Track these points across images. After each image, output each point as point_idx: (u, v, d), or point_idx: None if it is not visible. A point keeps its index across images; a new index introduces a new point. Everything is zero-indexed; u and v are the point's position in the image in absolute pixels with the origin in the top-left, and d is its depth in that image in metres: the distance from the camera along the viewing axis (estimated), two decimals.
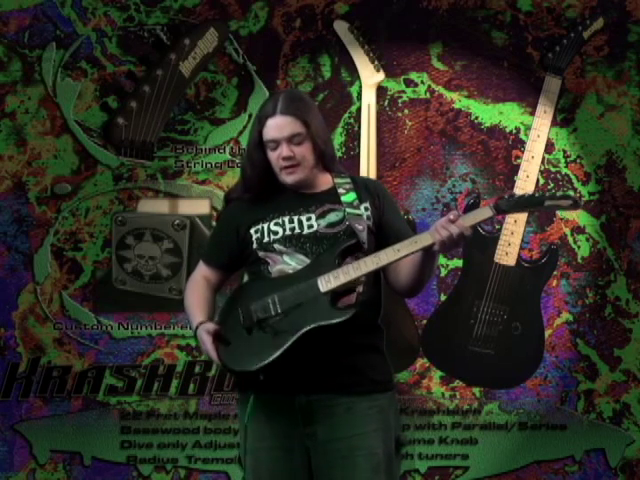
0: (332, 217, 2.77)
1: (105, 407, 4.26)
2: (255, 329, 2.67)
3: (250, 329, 2.67)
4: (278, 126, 2.75)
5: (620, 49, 4.28)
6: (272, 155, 2.78)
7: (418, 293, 2.85)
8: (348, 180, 2.84)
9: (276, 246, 2.76)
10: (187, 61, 4.25)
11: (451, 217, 2.60)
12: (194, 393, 4.26)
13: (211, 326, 2.72)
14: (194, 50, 4.25)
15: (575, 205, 2.60)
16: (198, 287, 2.88)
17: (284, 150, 2.75)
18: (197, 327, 2.75)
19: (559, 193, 2.61)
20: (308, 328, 2.62)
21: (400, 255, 2.64)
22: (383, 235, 2.80)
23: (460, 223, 2.59)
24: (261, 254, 2.78)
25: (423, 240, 2.62)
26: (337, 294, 2.66)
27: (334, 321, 2.62)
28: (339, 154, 4.22)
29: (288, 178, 2.77)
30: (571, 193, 4.08)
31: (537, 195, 2.60)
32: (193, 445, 4.26)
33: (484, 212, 2.62)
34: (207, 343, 2.69)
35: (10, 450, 4.26)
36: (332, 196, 2.80)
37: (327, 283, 2.65)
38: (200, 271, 2.91)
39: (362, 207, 2.79)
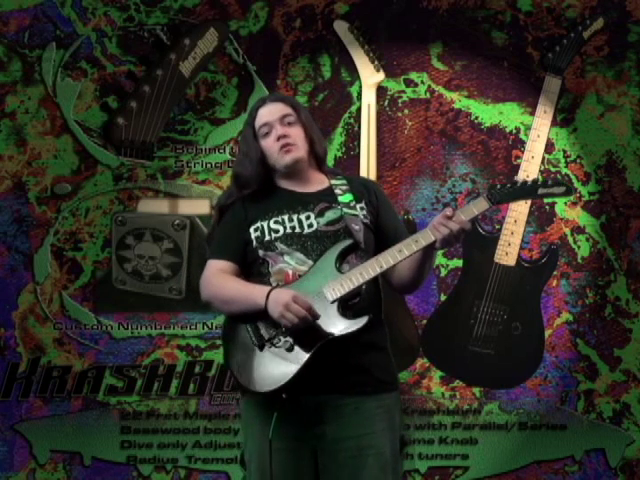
0: (330, 215, 2.78)
1: (105, 407, 4.26)
2: (267, 345, 2.66)
3: (262, 346, 2.67)
4: (270, 111, 2.83)
5: (620, 49, 4.28)
6: (267, 142, 2.80)
7: (417, 289, 2.85)
8: (344, 181, 2.86)
9: (278, 244, 2.76)
10: (187, 61, 4.25)
11: (448, 213, 2.61)
12: (194, 393, 4.26)
13: (292, 293, 2.60)
14: (194, 50, 4.25)
15: (567, 192, 2.62)
16: (224, 275, 2.76)
17: (278, 129, 2.79)
18: (269, 293, 2.64)
19: (551, 181, 2.61)
20: (323, 341, 2.62)
21: (403, 256, 2.64)
22: (381, 234, 2.81)
23: (459, 219, 2.59)
24: (261, 253, 2.77)
25: (424, 238, 2.63)
26: (344, 300, 2.67)
27: (350, 331, 2.63)
28: (339, 154, 4.23)
29: (287, 157, 2.78)
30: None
31: (530, 183, 2.60)
32: (193, 445, 4.25)
33: (480, 205, 2.62)
34: (302, 310, 2.58)
35: (10, 450, 4.26)
36: (328, 196, 2.82)
37: (334, 292, 2.65)
38: (213, 266, 2.79)
39: (358, 207, 2.79)
